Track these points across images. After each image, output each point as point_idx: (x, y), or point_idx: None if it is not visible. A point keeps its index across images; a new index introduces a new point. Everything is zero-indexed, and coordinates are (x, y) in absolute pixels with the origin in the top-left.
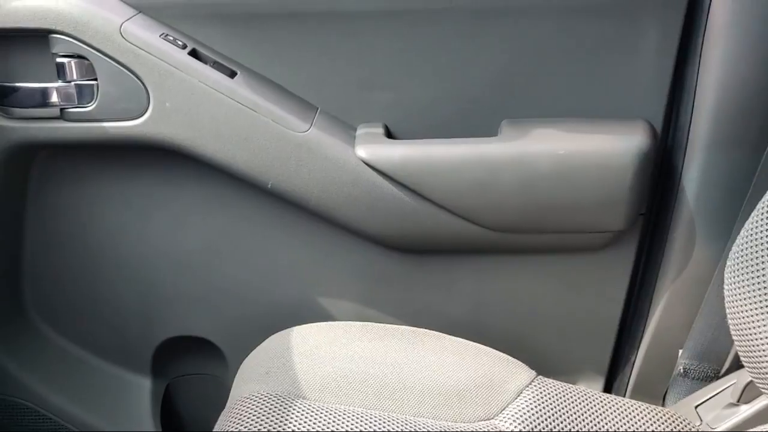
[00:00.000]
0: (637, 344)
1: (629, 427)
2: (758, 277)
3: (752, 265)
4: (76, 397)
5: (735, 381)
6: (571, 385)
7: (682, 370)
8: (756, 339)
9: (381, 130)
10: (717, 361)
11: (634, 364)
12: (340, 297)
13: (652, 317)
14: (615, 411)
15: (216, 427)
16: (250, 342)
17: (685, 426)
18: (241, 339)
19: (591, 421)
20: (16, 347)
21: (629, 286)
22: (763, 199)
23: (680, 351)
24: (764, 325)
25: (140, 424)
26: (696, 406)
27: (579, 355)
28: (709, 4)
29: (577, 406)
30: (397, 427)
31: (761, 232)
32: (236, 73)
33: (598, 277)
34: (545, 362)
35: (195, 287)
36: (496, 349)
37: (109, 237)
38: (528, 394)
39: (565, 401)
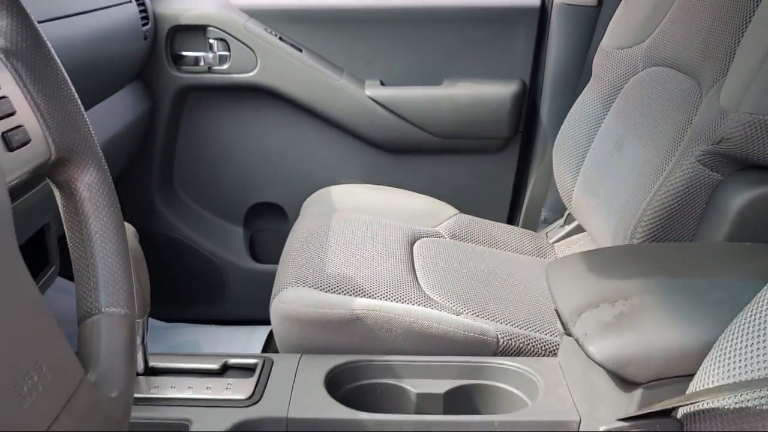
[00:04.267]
0: (520, 206)
1: (511, 235)
2: (565, 152)
3: (563, 147)
4: (204, 235)
5: (565, 216)
6: (481, 218)
7: (543, 219)
8: (566, 187)
9: (378, 82)
10: (561, 211)
11: (519, 219)
12: (352, 176)
13: (527, 190)
14: (505, 229)
15: (292, 231)
16: (301, 204)
17: (539, 239)
18: (296, 203)
19: (490, 232)
20: (171, 206)
21: (516, 173)
22: (568, 115)
23: (542, 209)
24: (568, 180)
25: (239, 254)
26: (546, 233)
27: (489, 214)
28: (549, 17)
29: (484, 226)
30: (388, 226)
31: (565, 129)
32: (302, 50)
33: (498, 168)
34: (468, 210)
35: (271, 171)
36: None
37: (224, 142)
38: (455, 218)
39: (477, 223)
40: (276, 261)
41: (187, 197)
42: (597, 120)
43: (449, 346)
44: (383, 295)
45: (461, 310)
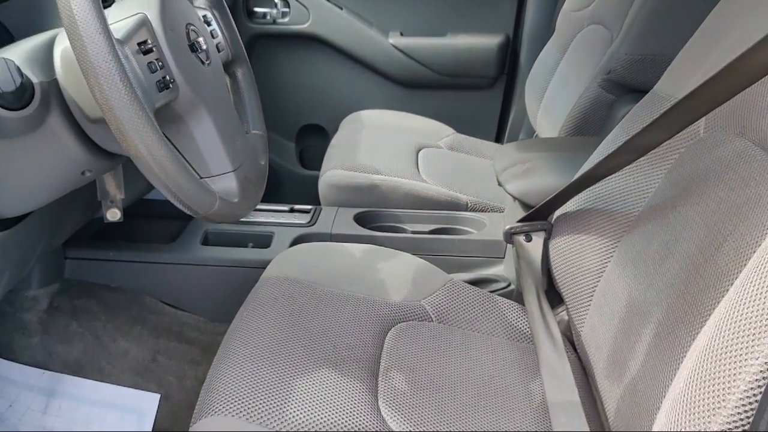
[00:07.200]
0: (504, 130)
1: (493, 150)
2: (533, 88)
3: (531, 84)
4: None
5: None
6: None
7: (520, 140)
8: (533, 113)
9: (399, 33)
10: (532, 134)
11: (503, 138)
12: (377, 104)
13: (509, 117)
14: (490, 145)
15: (333, 139)
16: (338, 125)
17: None
18: (335, 124)
19: (478, 147)
20: None
21: (501, 104)
22: (536, 61)
23: (520, 133)
24: (534, 108)
25: (292, 162)
26: None
27: (479, 137)
28: None
29: (474, 142)
30: (401, 139)
31: (533, 71)
32: (342, 8)
33: (487, 101)
34: (463, 131)
35: (317, 100)
36: (437, 119)
37: (283, 77)
38: (452, 136)
39: (469, 140)
40: (319, 169)
41: None
42: (555, 64)
43: (434, 205)
44: (393, 175)
45: (445, 186)
